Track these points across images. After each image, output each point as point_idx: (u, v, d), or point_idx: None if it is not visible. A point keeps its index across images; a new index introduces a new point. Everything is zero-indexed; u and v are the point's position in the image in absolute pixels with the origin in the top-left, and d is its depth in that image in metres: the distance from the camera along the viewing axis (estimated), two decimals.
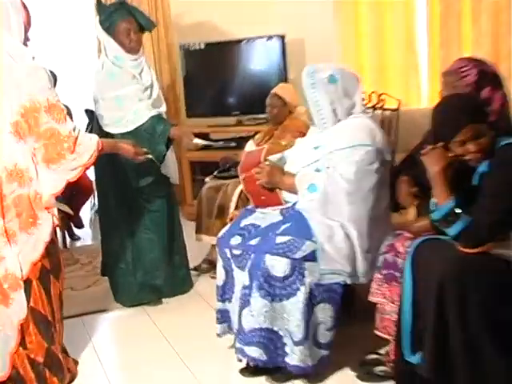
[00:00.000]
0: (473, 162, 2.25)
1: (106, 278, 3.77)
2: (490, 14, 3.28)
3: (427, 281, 2.21)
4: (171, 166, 3.59)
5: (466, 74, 2.59)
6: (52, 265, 2.61)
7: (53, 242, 2.60)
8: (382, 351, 2.67)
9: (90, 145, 2.53)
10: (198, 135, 3.65)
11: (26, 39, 2.50)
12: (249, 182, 2.87)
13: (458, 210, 2.17)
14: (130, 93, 3.38)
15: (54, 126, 2.41)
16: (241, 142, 4.94)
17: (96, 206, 5.07)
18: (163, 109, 3.56)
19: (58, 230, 4.52)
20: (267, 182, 2.79)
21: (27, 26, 2.50)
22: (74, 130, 2.47)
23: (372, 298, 2.62)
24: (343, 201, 2.62)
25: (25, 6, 2.48)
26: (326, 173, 2.66)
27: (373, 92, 3.31)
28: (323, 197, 2.63)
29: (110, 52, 3.41)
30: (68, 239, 4.98)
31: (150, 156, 3.07)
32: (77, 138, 2.47)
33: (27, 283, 2.51)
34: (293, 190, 2.75)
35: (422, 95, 4.02)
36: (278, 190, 2.80)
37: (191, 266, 3.94)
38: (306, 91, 2.77)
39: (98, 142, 2.57)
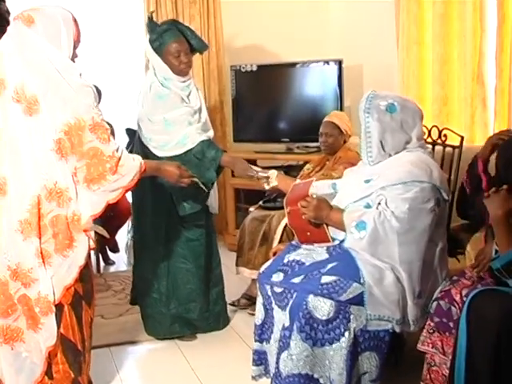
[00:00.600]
0: None
1: (138, 307, 3.79)
2: None
3: (484, 336, 2.17)
4: (212, 195, 3.61)
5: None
6: (85, 290, 2.64)
7: (87, 266, 2.64)
8: None
9: (132, 166, 2.57)
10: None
11: (75, 55, 2.58)
12: (294, 216, 2.86)
13: None
14: (179, 116, 3.41)
15: (97, 146, 2.47)
16: (289, 170, 4.95)
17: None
18: (211, 134, 3.58)
19: (92, 253, 4.66)
20: (313, 217, 2.76)
21: (76, 42, 2.57)
22: (117, 150, 2.52)
23: (421, 347, 2.59)
24: (394, 241, 2.59)
25: (76, 22, 2.56)
26: (376, 210, 2.64)
27: (434, 126, 3.28)
28: (373, 236, 2.60)
29: (159, 72, 3.45)
30: (102, 263, 5.05)
31: (196, 179, 3.06)
32: (120, 159, 2.51)
33: (58, 308, 2.54)
34: (340, 227, 2.72)
35: (488, 132, 3.96)
36: (324, 226, 2.79)
37: (229, 300, 3.95)
38: (360, 115, 2.76)
39: (140, 163, 2.61)
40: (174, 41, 3.38)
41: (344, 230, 2.71)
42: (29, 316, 2.53)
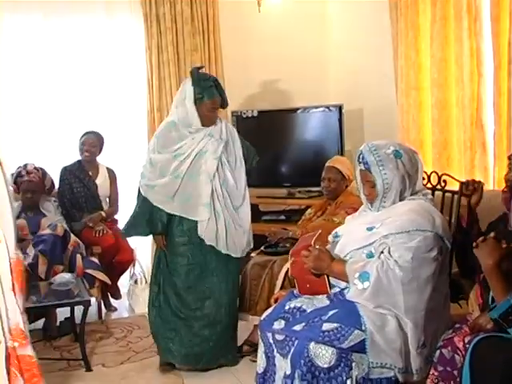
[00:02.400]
0: None
1: (140, 354, 3.76)
2: None
3: (487, 383, 2.14)
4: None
5: None
6: None
7: None
8: None
9: None
10: None
11: None
12: (296, 267, 2.87)
13: None
14: None
15: None
16: (291, 214, 4.97)
17: (136, 276, 5.15)
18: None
19: (93, 300, 4.65)
20: (313, 267, 2.75)
21: None
22: None
23: None
24: (398, 290, 2.58)
25: None
26: (379, 259, 2.64)
27: (433, 172, 3.30)
28: (376, 285, 2.58)
29: (186, 120, 3.75)
30: (104, 310, 5.03)
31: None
32: None
33: None
34: (343, 278, 2.70)
35: (489, 175, 3.98)
36: (325, 277, 2.78)
37: None
38: (372, 169, 2.75)
39: None
40: (215, 98, 3.75)
41: (346, 281, 2.69)
42: None
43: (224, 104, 3.87)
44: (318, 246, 2.80)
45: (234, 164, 3.86)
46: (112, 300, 5.20)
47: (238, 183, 3.84)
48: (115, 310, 5.15)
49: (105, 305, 5.10)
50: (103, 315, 4.96)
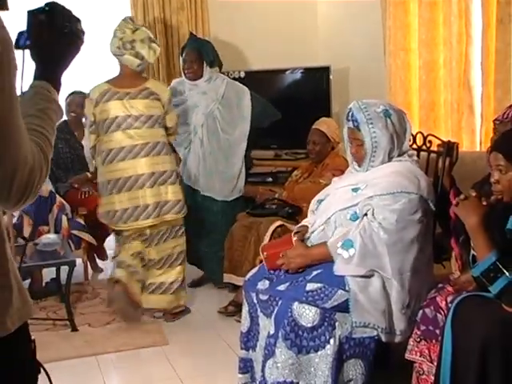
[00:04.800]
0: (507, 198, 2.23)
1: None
2: None
3: (469, 342, 2.17)
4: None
5: None
6: None
7: None
8: None
9: None
10: None
11: None
12: (271, 260, 2.82)
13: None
14: None
15: None
16: (278, 177, 4.95)
17: None
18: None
19: (80, 260, 4.64)
20: (299, 267, 2.72)
21: None
22: None
23: (409, 356, 2.58)
24: (383, 252, 2.58)
25: None
26: (362, 224, 2.62)
27: (419, 132, 3.28)
28: (362, 250, 2.57)
29: None
30: (90, 271, 5.03)
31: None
32: None
33: None
34: (327, 258, 2.66)
35: (475, 137, 3.97)
36: None
37: (218, 308, 3.98)
38: (361, 127, 2.72)
39: None
40: (187, 51, 4.33)
41: (331, 261, 2.64)
42: None
43: (209, 61, 4.25)
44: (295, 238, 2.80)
45: (232, 120, 4.35)
46: (98, 261, 5.20)
47: (232, 137, 4.37)
48: (102, 271, 5.15)
49: (91, 266, 5.10)
50: (89, 276, 4.96)
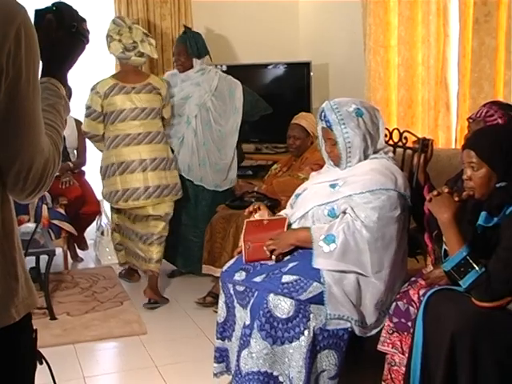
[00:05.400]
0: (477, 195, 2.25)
1: (105, 304, 3.88)
2: None
3: (439, 335, 2.19)
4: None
5: (491, 124, 2.58)
6: None
7: None
8: None
9: None
10: None
11: None
12: (254, 252, 2.81)
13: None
14: None
15: None
16: (258, 170, 4.95)
17: (103, 227, 5.11)
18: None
19: (60, 250, 4.62)
20: (286, 248, 2.73)
21: None
22: None
23: (381, 348, 2.60)
24: (364, 250, 2.59)
25: None
26: (344, 221, 2.63)
27: (395, 129, 3.30)
28: (343, 247, 2.58)
29: None
30: (70, 260, 5.00)
31: None
32: None
33: None
34: (308, 245, 2.66)
35: (451, 135, 3.99)
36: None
37: (196, 298, 3.98)
38: (333, 128, 2.72)
39: None
40: (176, 44, 4.52)
41: (311, 248, 2.65)
42: None
43: (193, 52, 4.36)
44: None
45: (224, 112, 4.44)
46: (78, 251, 5.17)
47: (224, 129, 4.46)
48: (81, 260, 5.13)
49: (71, 255, 5.07)
50: (69, 266, 4.94)
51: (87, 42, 1.45)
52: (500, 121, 2.60)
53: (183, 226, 4.49)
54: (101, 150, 4.27)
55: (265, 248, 2.74)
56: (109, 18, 5.24)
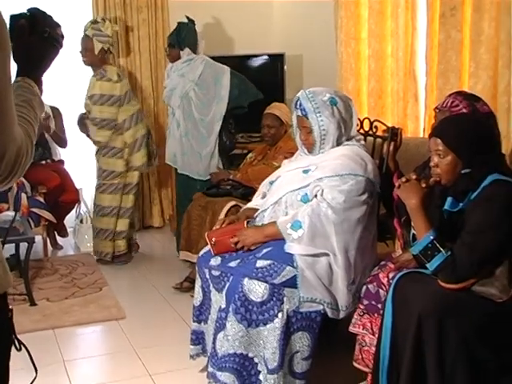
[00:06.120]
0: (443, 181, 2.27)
1: (84, 290, 3.87)
2: (489, 47, 3.27)
3: (407, 315, 2.21)
4: None
5: (457, 113, 2.60)
6: None
7: None
8: None
9: None
10: None
11: None
12: (220, 245, 2.79)
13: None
14: None
15: None
16: (233, 159, 4.94)
17: (82, 215, 5.07)
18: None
19: (40, 238, 4.57)
20: (253, 244, 2.71)
21: None
22: None
23: (352, 329, 2.61)
24: (331, 231, 2.60)
25: None
26: (311, 205, 2.63)
27: (366, 118, 3.31)
28: (311, 230, 2.58)
29: None
30: (50, 248, 4.96)
31: None
32: None
33: None
34: (279, 236, 2.66)
35: (419, 124, 4.02)
36: None
37: (174, 283, 3.97)
38: (309, 116, 2.72)
39: None
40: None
41: (282, 238, 2.64)
42: None
43: (174, 43, 4.41)
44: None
45: (208, 101, 4.39)
46: (58, 238, 5.13)
47: (207, 118, 4.41)
48: (61, 248, 5.08)
49: (51, 243, 5.03)
50: (49, 253, 4.89)
51: (60, 46, 1.47)
52: (465, 110, 2.62)
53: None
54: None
55: (232, 245, 2.74)
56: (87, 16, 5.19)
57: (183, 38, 4.43)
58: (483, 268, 2.16)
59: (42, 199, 4.65)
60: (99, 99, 4.37)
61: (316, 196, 2.66)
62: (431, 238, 2.18)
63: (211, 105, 4.43)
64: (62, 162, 5.12)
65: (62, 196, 4.87)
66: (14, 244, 4.11)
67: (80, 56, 4.52)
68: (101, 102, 4.38)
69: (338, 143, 2.77)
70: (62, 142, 5.08)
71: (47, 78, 1.49)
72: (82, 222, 5.06)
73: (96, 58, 4.44)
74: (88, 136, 4.55)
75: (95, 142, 4.50)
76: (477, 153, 2.22)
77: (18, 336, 1.40)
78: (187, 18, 4.52)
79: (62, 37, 1.46)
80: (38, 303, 3.80)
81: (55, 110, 5.09)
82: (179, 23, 4.52)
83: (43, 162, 4.93)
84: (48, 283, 4.19)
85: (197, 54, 4.48)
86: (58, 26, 1.45)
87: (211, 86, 4.43)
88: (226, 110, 4.44)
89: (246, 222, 2.84)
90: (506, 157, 2.41)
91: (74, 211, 5.14)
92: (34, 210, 4.51)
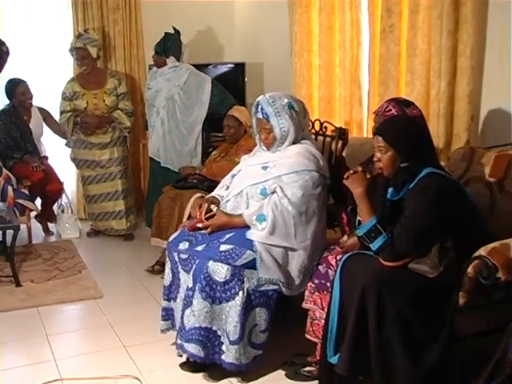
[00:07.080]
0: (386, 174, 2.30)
1: (65, 273, 3.81)
2: (423, 59, 3.32)
3: (352, 290, 2.23)
4: None
5: (388, 117, 2.64)
6: None
7: None
8: (310, 353, 2.66)
9: None
10: None
11: None
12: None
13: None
14: None
15: None
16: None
17: (63, 206, 4.99)
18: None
19: (25, 226, 4.47)
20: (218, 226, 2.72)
21: None
22: None
23: (304, 305, 2.64)
24: (290, 224, 2.61)
25: None
26: (272, 201, 2.64)
27: (316, 119, 3.32)
28: (273, 224, 2.60)
29: None
30: (43, 234, 4.92)
31: None
32: None
33: None
34: (244, 225, 2.67)
35: (363, 126, 4.05)
36: None
37: (146, 267, 3.92)
38: (271, 119, 2.73)
39: None
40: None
41: (248, 227, 2.66)
42: None
43: (160, 52, 4.37)
44: (215, 209, 2.78)
45: (191, 105, 4.38)
46: (50, 226, 5.03)
47: (188, 120, 4.39)
48: (52, 233, 4.99)
49: (43, 230, 4.98)
50: (33, 239, 4.77)
51: (5, 62, 1.43)
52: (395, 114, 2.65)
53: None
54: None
55: (200, 225, 2.73)
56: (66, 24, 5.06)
57: (169, 47, 4.39)
58: (418, 248, 2.20)
59: (26, 191, 4.53)
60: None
61: (276, 191, 2.67)
62: (374, 221, 2.21)
63: (193, 108, 4.42)
64: (46, 157, 5.01)
65: (48, 186, 4.75)
66: (1, 231, 4.00)
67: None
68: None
69: (294, 142, 2.78)
70: (64, 134, 4.92)
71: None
72: (63, 211, 4.96)
73: (95, 62, 4.52)
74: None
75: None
76: (413, 149, 2.26)
77: (7, 313, 1.36)
78: (173, 28, 4.47)
79: (7, 54, 1.43)
80: (23, 284, 3.72)
81: (44, 111, 4.97)
82: (166, 33, 4.45)
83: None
84: (32, 266, 4.10)
85: (181, 61, 4.44)
86: (2, 43, 1.42)
87: (194, 92, 4.41)
88: (207, 115, 4.43)
89: (214, 209, 2.81)
90: (437, 153, 2.45)
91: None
92: (20, 201, 4.39)
